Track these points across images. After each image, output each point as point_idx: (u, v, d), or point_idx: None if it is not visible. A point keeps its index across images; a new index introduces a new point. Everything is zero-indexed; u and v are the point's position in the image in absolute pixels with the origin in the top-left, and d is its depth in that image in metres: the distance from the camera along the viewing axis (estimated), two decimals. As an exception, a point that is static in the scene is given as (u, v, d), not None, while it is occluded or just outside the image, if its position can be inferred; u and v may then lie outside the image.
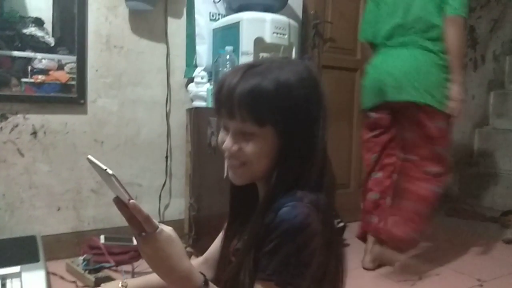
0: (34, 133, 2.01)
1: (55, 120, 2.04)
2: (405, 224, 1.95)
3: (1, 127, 1.94)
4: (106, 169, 0.63)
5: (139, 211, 0.65)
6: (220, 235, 0.98)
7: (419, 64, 1.90)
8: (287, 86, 0.73)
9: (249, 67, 0.76)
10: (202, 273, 0.72)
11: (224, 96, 0.75)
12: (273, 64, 0.76)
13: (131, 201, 0.65)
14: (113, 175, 0.63)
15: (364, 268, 2.06)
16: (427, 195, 1.94)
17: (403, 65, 1.92)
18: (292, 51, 2.11)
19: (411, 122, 1.96)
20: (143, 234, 0.67)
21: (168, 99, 2.30)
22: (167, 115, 2.31)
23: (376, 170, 2.10)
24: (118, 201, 0.68)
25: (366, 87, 2.09)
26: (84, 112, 2.11)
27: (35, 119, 2.00)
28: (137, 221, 0.67)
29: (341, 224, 2.34)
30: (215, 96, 0.79)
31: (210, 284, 0.72)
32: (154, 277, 1.02)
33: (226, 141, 0.78)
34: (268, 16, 1.99)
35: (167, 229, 0.69)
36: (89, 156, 0.66)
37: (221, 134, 0.80)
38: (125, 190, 0.65)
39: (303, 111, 0.75)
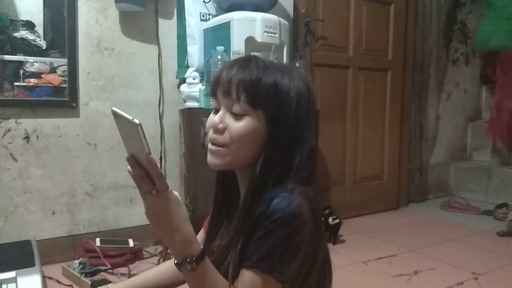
0: (27, 138, 2.00)
1: (47, 124, 2.04)
2: None
3: (-7, 132, 1.94)
4: (132, 119, 0.63)
5: (155, 166, 0.66)
6: (200, 234, 0.99)
7: None
8: (285, 87, 0.78)
9: (253, 58, 0.80)
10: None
11: (224, 78, 0.78)
12: (275, 65, 0.80)
13: (150, 155, 0.66)
14: (139, 125, 0.63)
15: None
16: None
17: None
18: (283, 49, 2.12)
19: None
20: (154, 192, 0.68)
21: (160, 101, 2.30)
22: (160, 117, 2.31)
23: None
24: (132, 159, 0.69)
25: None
26: (77, 115, 2.11)
27: (27, 123, 1.99)
28: (148, 179, 0.68)
29: (337, 221, 2.35)
30: (214, 77, 0.82)
31: (206, 257, 0.72)
32: (138, 279, 1.03)
33: (215, 118, 0.80)
34: (259, 15, 2.00)
35: (176, 192, 0.71)
36: (113, 108, 0.66)
37: (211, 116, 0.82)
38: (147, 142, 0.65)
39: (294, 109, 0.78)
